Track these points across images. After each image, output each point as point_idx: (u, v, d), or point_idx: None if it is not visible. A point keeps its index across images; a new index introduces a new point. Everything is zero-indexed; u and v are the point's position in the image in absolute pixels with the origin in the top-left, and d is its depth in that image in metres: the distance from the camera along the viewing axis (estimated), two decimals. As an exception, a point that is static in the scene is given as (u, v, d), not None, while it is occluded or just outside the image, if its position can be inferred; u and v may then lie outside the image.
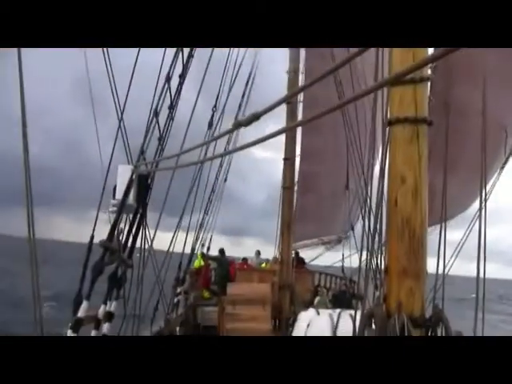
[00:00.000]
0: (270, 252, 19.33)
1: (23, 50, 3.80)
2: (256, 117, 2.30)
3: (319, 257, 20.53)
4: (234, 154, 15.54)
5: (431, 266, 4.83)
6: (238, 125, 2.50)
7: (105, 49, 6.22)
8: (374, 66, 4.85)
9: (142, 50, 6.62)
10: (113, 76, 6.55)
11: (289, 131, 15.37)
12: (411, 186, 4.47)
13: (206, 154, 8.89)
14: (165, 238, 9.14)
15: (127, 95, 6.62)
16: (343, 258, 16.43)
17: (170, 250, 9.10)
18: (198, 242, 16.47)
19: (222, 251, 17.68)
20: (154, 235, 6.92)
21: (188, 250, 15.45)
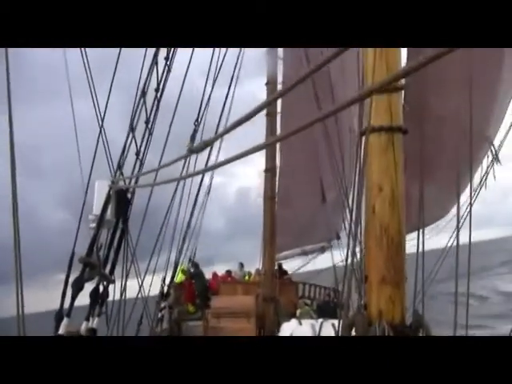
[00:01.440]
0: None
1: None
2: (206, 144, 2.41)
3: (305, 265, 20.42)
4: (186, 183, 14.97)
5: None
6: (190, 151, 2.60)
7: (83, 49, 6.20)
8: (355, 74, 4.90)
9: (119, 65, 6.63)
10: (92, 80, 6.53)
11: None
12: (388, 194, 4.51)
13: (186, 169, 8.84)
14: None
15: (107, 103, 6.61)
16: (335, 269, 16.27)
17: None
18: (182, 255, 16.44)
19: (195, 265, 17.82)
20: (135, 250, 6.89)
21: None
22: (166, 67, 6.58)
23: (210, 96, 12.34)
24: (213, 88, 12.44)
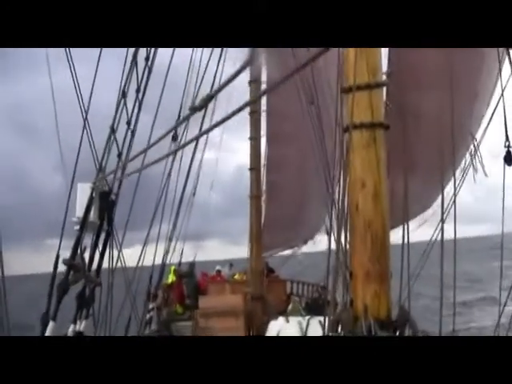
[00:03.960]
0: (235, 252, 19.45)
1: None
2: (210, 96, 2.23)
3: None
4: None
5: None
6: (194, 109, 2.41)
7: (67, 49, 6.14)
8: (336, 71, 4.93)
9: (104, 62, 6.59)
10: (76, 78, 6.47)
11: (253, 141, 15.40)
12: (371, 190, 4.54)
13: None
14: (132, 253, 9.00)
15: (90, 96, 6.54)
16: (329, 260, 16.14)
17: (140, 264, 8.95)
18: (169, 255, 16.37)
19: (192, 264, 17.93)
20: (121, 247, 6.83)
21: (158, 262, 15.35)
22: (147, 68, 6.53)
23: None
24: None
